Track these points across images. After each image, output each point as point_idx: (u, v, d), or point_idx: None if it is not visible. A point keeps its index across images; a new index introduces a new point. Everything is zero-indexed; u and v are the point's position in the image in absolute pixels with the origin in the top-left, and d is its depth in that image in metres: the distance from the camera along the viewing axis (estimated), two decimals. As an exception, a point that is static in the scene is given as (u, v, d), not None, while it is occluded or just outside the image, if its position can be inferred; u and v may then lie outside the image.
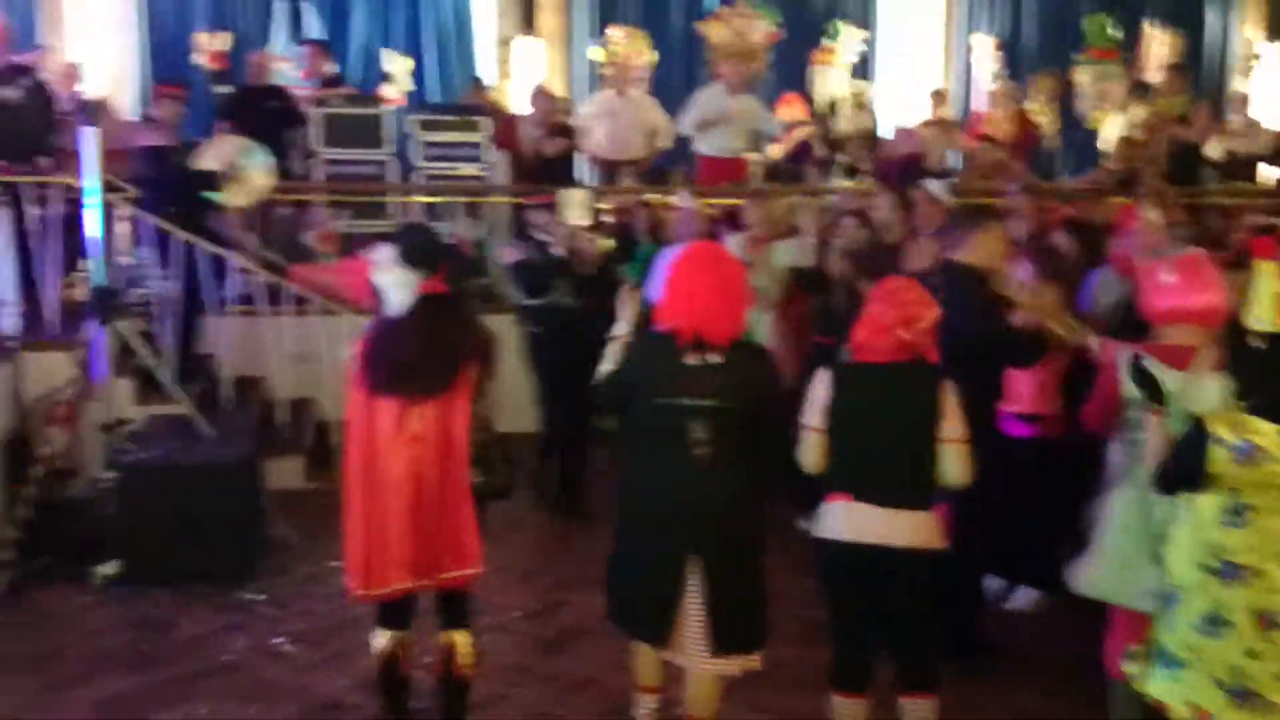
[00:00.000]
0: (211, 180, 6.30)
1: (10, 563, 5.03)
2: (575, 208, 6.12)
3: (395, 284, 3.53)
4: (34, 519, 5.20)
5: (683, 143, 9.39)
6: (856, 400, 3.56)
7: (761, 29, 9.95)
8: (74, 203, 6.56)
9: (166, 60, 11.12)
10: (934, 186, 6.01)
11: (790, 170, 9.63)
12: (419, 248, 3.62)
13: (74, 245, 6.37)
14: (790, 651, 4.08)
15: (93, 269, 5.54)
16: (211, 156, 6.35)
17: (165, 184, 6.44)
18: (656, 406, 3.43)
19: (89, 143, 5.32)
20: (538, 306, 6.10)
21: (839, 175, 9.07)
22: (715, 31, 9.88)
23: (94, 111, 5.69)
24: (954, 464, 3.51)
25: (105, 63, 10.30)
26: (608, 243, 6.36)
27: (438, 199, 8.08)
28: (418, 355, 3.51)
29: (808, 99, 11.08)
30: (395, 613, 3.72)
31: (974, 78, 12.15)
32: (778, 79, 11.23)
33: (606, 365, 3.64)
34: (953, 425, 3.50)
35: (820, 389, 3.60)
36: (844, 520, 3.54)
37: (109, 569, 5.13)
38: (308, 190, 8.14)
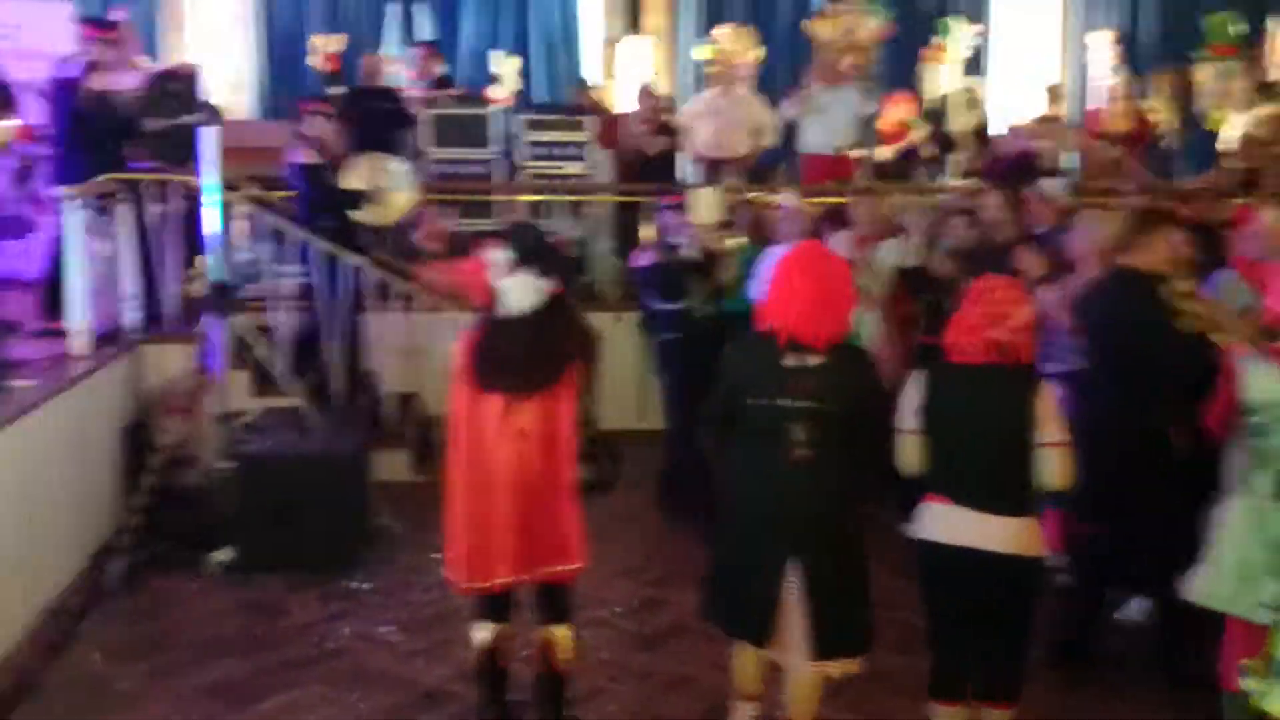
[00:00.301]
0: (357, 199, 6.48)
1: (128, 549, 5.20)
2: (706, 206, 5.92)
3: (523, 288, 3.55)
4: (151, 506, 5.37)
5: (788, 141, 9.32)
6: (949, 402, 3.50)
7: (871, 25, 9.82)
8: (193, 200, 6.81)
9: (282, 62, 11.47)
10: (1047, 185, 5.85)
11: (898, 168, 9.49)
12: (544, 253, 3.65)
13: (193, 241, 6.60)
14: (891, 658, 4.02)
15: (210, 265, 5.71)
16: (357, 175, 6.52)
17: (317, 200, 6.61)
18: (756, 408, 3.40)
19: (208, 142, 5.49)
20: (670, 311, 5.93)
21: (948, 174, 8.91)
22: (823, 28, 9.78)
23: (214, 112, 5.88)
24: (1053, 468, 3.42)
25: (223, 64, 10.64)
26: (740, 240, 6.15)
27: (543, 198, 8.15)
28: (528, 353, 3.54)
29: (918, 96, 10.89)
30: (496, 606, 3.76)
31: (1090, 74, 11.80)
32: (887, 76, 11.07)
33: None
34: (1051, 429, 3.42)
35: (914, 390, 3.57)
36: (940, 523, 3.49)
37: (222, 556, 5.29)
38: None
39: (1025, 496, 3.46)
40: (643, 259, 6.20)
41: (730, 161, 8.86)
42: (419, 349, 6.75)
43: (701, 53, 11.09)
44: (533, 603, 3.84)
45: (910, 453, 3.56)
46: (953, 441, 3.48)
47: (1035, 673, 3.82)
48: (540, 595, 3.80)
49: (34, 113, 7.53)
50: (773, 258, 4.00)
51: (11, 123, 6.77)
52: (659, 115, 9.03)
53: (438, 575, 5.12)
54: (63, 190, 5.72)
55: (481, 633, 3.79)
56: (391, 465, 6.51)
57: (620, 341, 6.50)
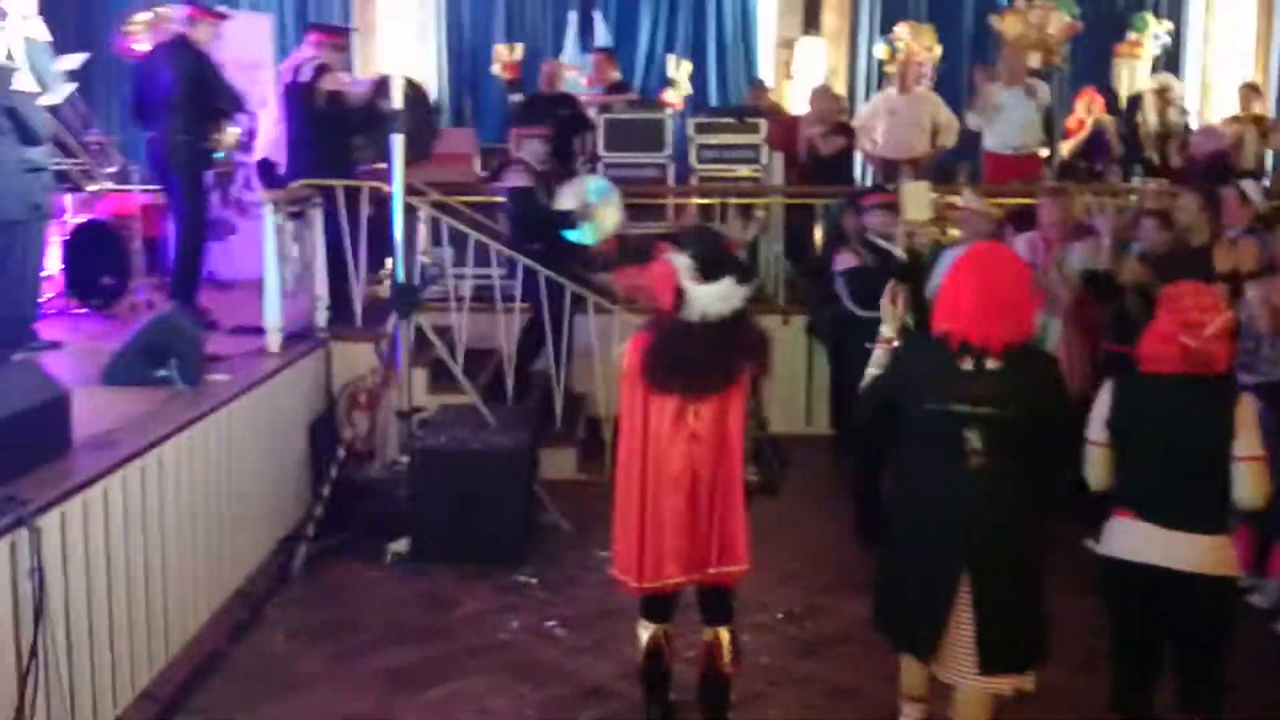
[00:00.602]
0: (569, 219, 6.65)
1: (312, 537, 5.44)
2: (917, 202, 5.66)
3: (720, 296, 3.55)
4: (335, 497, 5.60)
5: (970, 140, 9.06)
6: (1140, 414, 3.34)
7: (1059, 21, 9.47)
8: (381, 204, 7.10)
9: (463, 70, 11.83)
10: (1246, 186, 5.51)
11: (1086, 169, 9.10)
12: (729, 259, 3.65)
13: (379, 244, 6.87)
14: (1070, 677, 3.87)
15: (395, 267, 5.92)
16: (569, 197, 6.70)
17: (529, 223, 6.81)
18: (929, 413, 3.29)
19: (396, 149, 5.70)
20: (872, 319, 5.65)
21: (1140, 174, 8.49)
22: (1010, 25, 9.49)
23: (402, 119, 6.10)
24: (1249, 484, 3.21)
25: (407, 72, 11.03)
26: (955, 234, 5.93)
27: (715, 200, 8.15)
28: (707, 356, 3.54)
29: (1110, 94, 10.42)
30: (661, 605, 3.78)
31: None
32: (1077, 73, 10.65)
33: (871, 370, 3.55)
34: (1247, 443, 3.21)
35: (1103, 401, 3.43)
36: (1126, 539, 3.33)
37: (400, 546, 5.47)
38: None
39: (1218, 513, 3.28)
40: (842, 263, 5.88)
41: (909, 161, 8.68)
42: (587, 350, 6.86)
43: (880, 51, 10.91)
44: (696, 604, 3.84)
45: (1098, 466, 3.43)
46: (1143, 455, 3.33)
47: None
48: (704, 596, 3.80)
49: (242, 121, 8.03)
50: (950, 259, 3.88)
51: (235, 129, 7.17)
52: (835, 115, 8.92)
53: (603, 572, 5.17)
54: (262, 195, 6.02)
55: (646, 632, 3.81)
56: (559, 463, 6.64)
57: (787, 345, 6.43)
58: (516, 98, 10.31)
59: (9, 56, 5.90)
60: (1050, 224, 6.10)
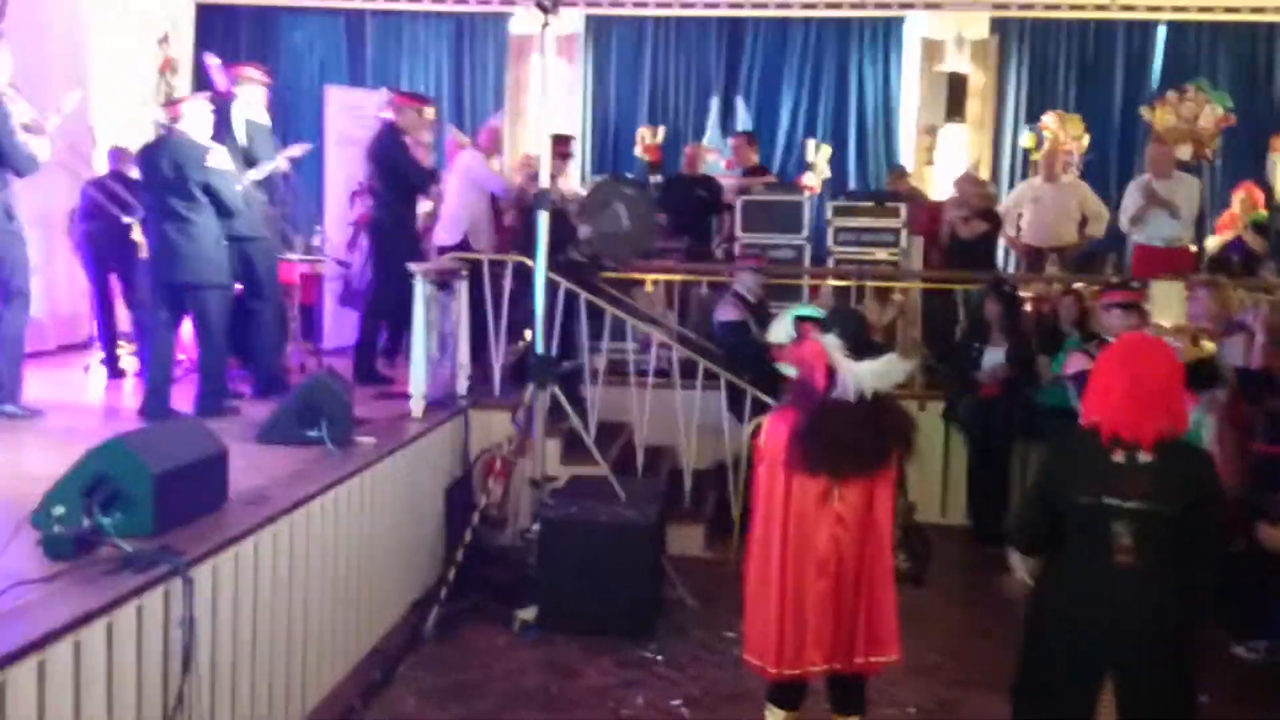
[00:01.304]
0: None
1: (444, 600, 5.54)
2: (1170, 303, 5.18)
3: (883, 374, 3.57)
4: (467, 561, 5.70)
5: (1116, 230, 8.88)
6: None
7: (1212, 114, 9.26)
8: (519, 277, 7.31)
9: (606, 151, 12.14)
10: None
11: (1240, 264, 8.80)
12: (869, 340, 3.67)
13: (516, 316, 7.07)
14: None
15: (534, 338, 6.07)
16: (780, 331, 6.82)
17: (743, 356, 6.94)
18: (1076, 506, 3.18)
19: (542, 226, 5.89)
20: None
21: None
22: (1161, 116, 9.32)
23: (545, 199, 6.29)
24: None
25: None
26: (1209, 347, 5.42)
27: (852, 282, 8.14)
28: (859, 437, 3.53)
29: (1266, 188, 10.09)
30: (792, 693, 3.73)
31: None
32: (1230, 167, 10.36)
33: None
34: None
35: None
36: None
37: (527, 614, 5.53)
38: (724, 272, 8.51)
39: None
40: (1074, 365, 5.75)
41: (1052, 250, 8.55)
42: (718, 427, 6.87)
43: (1026, 139, 10.82)
44: (825, 692, 3.77)
45: None
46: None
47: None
48: (837, 685, 3.73)
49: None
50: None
51: (428, 204, 7.56)
52: (980, 201, 8.85)
53: (729, 653, 5.17)
54: (414, 268, 6.27)
55: (774, 718, 3.76)
56: (686, 540, 6.63)
57: (924, 431, 6.28)
58: (657, 179, 10.52)
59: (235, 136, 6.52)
60: (1204, 317, 5.92)
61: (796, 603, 3.56)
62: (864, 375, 3.53)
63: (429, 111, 7.50)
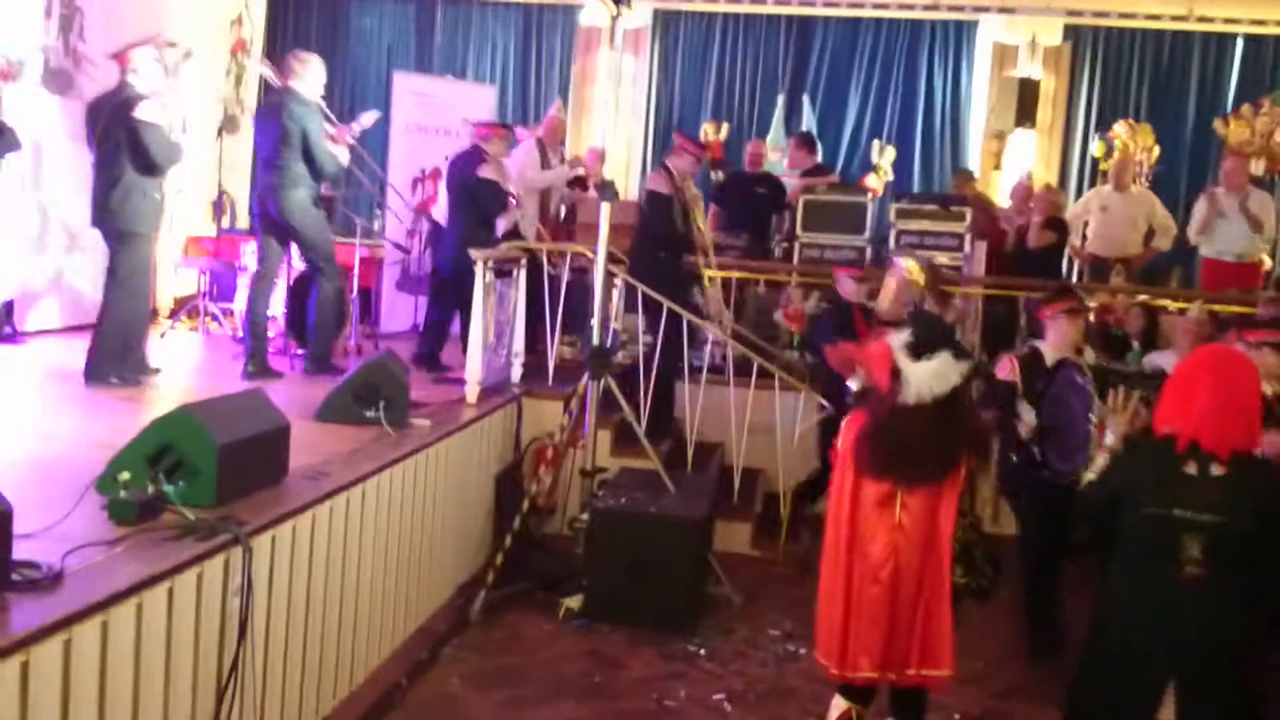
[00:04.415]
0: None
1: (491, 585, 5.58)
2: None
3: (935, 373, 3.51)
4: (515, 548, 5.75)
5: (1186, 243, 8.73)
6: None
7: (1287, 128, 9.07)
8: (577, 270, 7.35)
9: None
10: None
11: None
12: (951, 341, 3.61)
13: (573, 307, 7.10)
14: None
15: (590, 329, 6.09)
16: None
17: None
18: (1145, 517, 3.10)
19: (604, 218, 5.90)
20: None
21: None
22: (1235, 130, 9.14)
23: (611, 190, 6.32)
24: None
25: (616, 149, 11.43)
26: None
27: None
28: (925, 442, 3.48)
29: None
30: (860, 692, 3.72)
31: None
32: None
33: (1088, 476, 3.41)
34: None
35: None
36: None
37: (573, 602, 5.55)
38: (782, 271, 8.48)
39: None
40: (1002, 370, 5.51)
41: (1118, 260, 8.42)
42: (769, 426, 6.85)
43: (1096, 148, 10.66)
44: (887, 697, 3.76)
45: None
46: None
47: None
48: (898, 693, 3.72)
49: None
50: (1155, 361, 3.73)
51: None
52: (1048, 209, 8.74)
53: (772, 650, 5.17)
54: (474, 254, 6.31)
55: (838, 709, 3.76)
56: (733, 536, 6.63)
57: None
58: (718, 175, 10.50)
59: None
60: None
61: (857, 606, 3.55)
62: (921, 376, 3.49)
63: (509, 135, 7.84)
